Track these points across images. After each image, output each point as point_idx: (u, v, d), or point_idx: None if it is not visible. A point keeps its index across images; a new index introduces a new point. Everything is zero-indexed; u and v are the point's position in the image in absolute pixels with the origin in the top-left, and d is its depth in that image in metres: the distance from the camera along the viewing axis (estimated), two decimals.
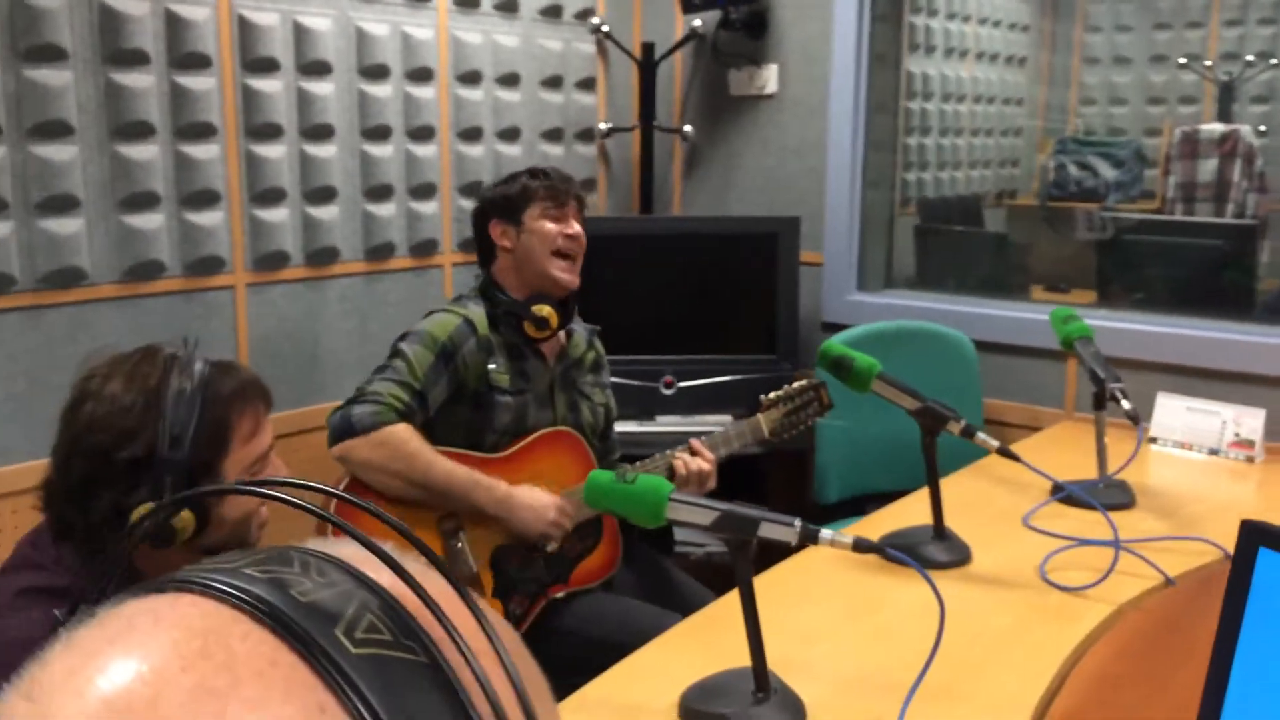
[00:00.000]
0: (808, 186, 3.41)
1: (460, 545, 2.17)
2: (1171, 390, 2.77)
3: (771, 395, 2.39)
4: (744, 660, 1.53)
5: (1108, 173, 5.44)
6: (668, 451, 2.30)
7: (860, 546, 1.38)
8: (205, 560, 0.38)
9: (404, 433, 2.10)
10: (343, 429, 2.09)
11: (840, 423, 2.68)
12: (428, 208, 3.08)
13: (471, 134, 3.17)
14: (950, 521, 2.10)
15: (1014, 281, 4.43)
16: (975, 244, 4.61)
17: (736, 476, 2.56)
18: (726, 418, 3.30)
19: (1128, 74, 5.60)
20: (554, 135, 3.40)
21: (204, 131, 2.57)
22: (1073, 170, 5.48)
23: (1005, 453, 1.93)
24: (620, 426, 3.11)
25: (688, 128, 3.54)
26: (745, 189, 3.55)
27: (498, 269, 2.32)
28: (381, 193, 2.96)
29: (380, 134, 2.94)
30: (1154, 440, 2.71)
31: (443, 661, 0.35)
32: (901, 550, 1.95)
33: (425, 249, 3.10)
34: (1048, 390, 3.05)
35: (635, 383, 3.22)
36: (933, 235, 4.14)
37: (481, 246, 2.35)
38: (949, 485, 2.44)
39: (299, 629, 0.34)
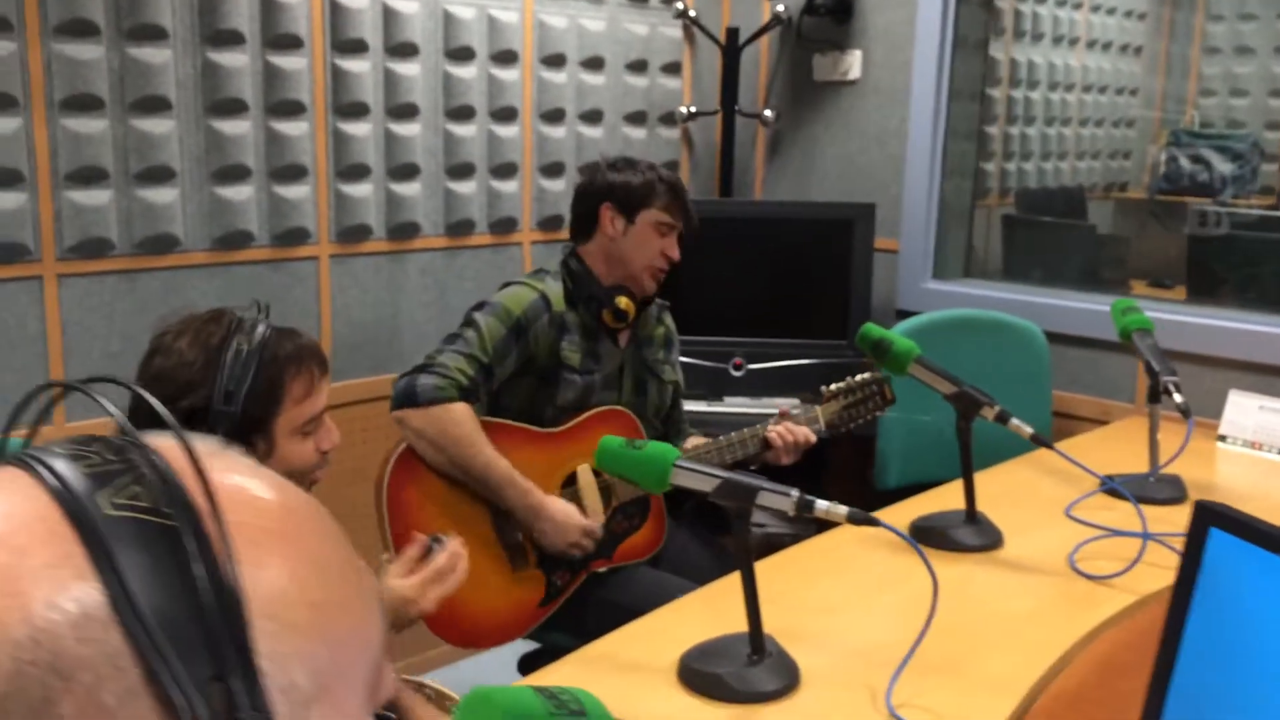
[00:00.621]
0: (887, 174, 3.41)
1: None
2: (1248, 389, 2.70)
3: (833, 387, 2.39)
4: (771, 627, 1.59)
5: (1222, 166, 5.26)
6: (757, 425, 2.34)
7: (854, 518, 1.42)
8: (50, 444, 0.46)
9: (459, 413, 2.15)
10: (405, 397, 2.17)
11: (899, 415, 2.68)
12: (508, 187, 3.18)
13: (554, 116, 3.26)
14: (992, 507, 2.11)
15: (1110, 275, 4.33)
16: (1069, 236, 4.52)
17: (800, 461, 2.59)
18: (794, 401, 3.34)
19: (1250, 64, 5.40)
20: (637, 118, 3.47)
21: (294, 109, 2.72)
22: (1185, 163, 5.31)
23: (1039, 440, 1.93)
24: (690, 406, 3.18)
25: (768, 112, 3.57)
26: (825, 175, 3.57)
27: (590, 249, 2.34)
28: (463, 171, 3.08)
29: (464, 114, 3.04)
30: (1223, 438, 2.65)
31: (190, 528, 0.42)
32: (930, 533, 2.00)
33: (505, 226, 3.20)
34: (1119, 384, 3.00)
35: (705, 363, 3.28)
36: (1022, 226, 4.08)
37: (580, 223, 2.37)
38: (1001, 473, 2.45)
39: (67, 494, 0.42)
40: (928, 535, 2.01)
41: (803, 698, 1.48)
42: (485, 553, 2.19)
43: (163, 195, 2.54)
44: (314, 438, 1.56)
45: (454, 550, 1.59)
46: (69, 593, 0.41)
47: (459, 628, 2.18)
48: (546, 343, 2.27)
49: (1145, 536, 1.87)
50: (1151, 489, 2.25)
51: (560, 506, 2.19)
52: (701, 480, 1.47)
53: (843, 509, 1.43)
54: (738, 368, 3.29)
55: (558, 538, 2.18)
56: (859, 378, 2.40)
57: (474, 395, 2.20)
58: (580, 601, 2.30)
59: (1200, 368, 2.84)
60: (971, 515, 2.02)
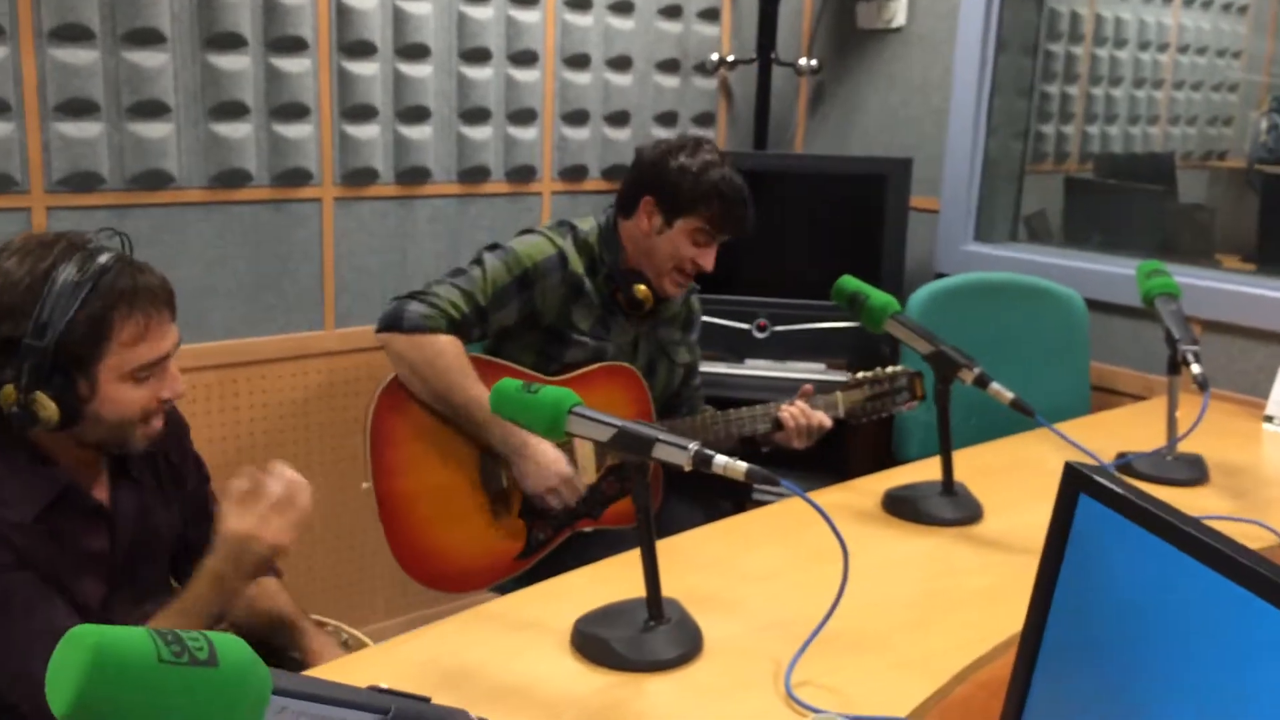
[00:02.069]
0: (931, 128, 3.22)
1: (495, 458, 2.15)
2: None
3: (860, 375, 2.25)
4: (676, 589, 1.47)
5: None
6: (770, 404, 2.21)
7: (753, 475, 1.29)
8: None
9: (445, 344, 2.06)
10: (391, 320, 2.09)
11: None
12: (527, 134, 3.08)
13: (578, 61, 3.14)
14: (984, 480, 1.96)
15: (1192, 246, 4.05)
16: (1144, 204, 4.24)
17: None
18: (819, 366, 3.19)
19: None
20: (669, 66, 3.33)
21: (295, 45, 2.65)
22: None
23: (1020, 407, 1.77)
24: (707, 367, 3.05)
25: (804, 61, 3.39)
26: (868, 129, 3.38)
27: (626, 226, 2.21)
28: (477, 115, 2.98)
29: (479, 56, 2.95)
30: (1270, 419, 2.42)
31: None
32: (903, 503, 1.85)
33: (522, 175, 3.11)
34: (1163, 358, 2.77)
35: (727, 323, 3.15)
36: (1086, 191, 3.83)
37: (623, 200, 2.22)
38: (1007, 446, 2.28)
39: None
40: (900, 506, 1.86)
41: (696, 669, 1.36)
42: (467, 496, 2.11)
43: (156, 130, 2.51)
44: (149, 384, 1.43)
45: (290, 478, 1.46)
46: None
47: (429, 566, 2.10)
48: (555, 301, 2.17)
49: None
50: (1168, 468, 2.06)
51: (546, 449, 2.07)
52: (597, 429, 1.35)
53: (742, 465, 1.30)
54: (761, 329, 3.14)
55: (537, 480, 2.07)
56: (890, 370, 2.25)
57: (463, 332, 2.11)
58: (560, 561, 2.20)
59: (1253, 342, 2.60)
60: (949, 487, 1.86)
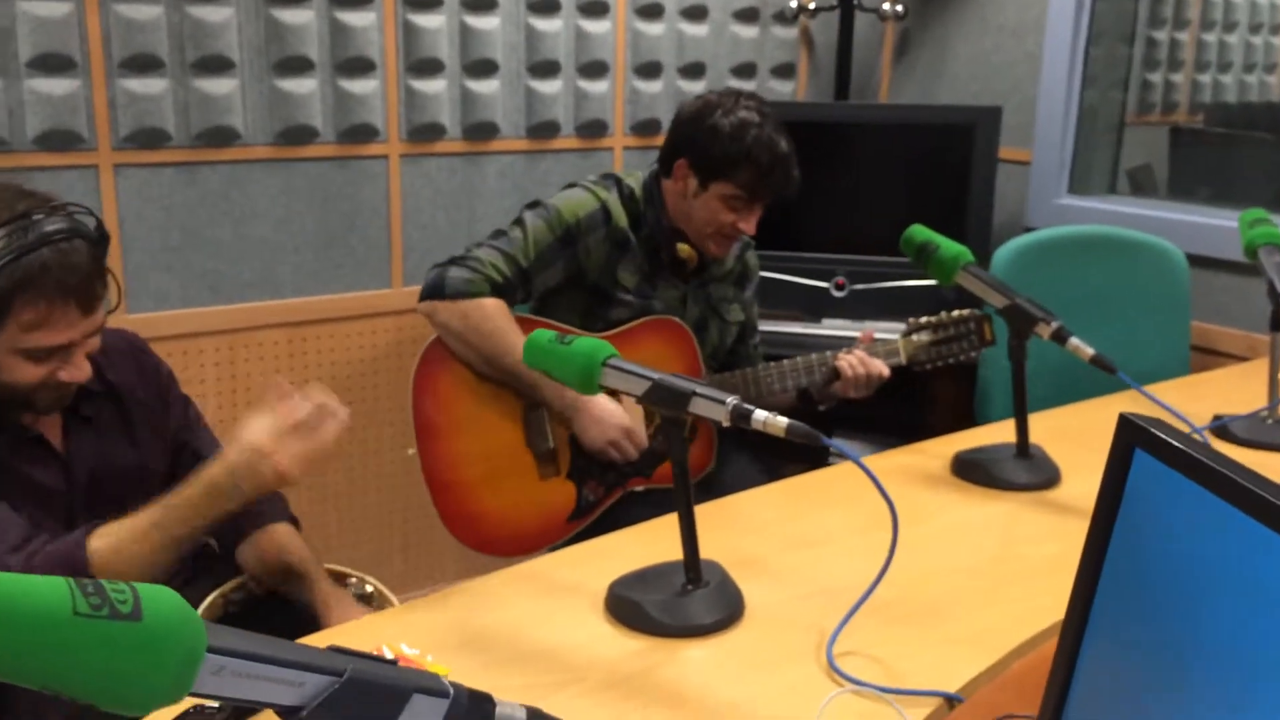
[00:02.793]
0: (1023, 74, 3.05)
1: (541, 416, 2.11)
2: None
3: (923, 319, 2.14)
4: (722, 552, 1.40)
5: None
6: (828, 353, 2.12)
7: (793, 431, 1.20)
8: None
9: (490, 308, 2.02)
10: (433, 288, 2.06)
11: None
12: (597, 87, 3.00)
13: (651, 10, 3.04)
14: (1064, 444, 1.84)
15: None
16: (1259, 154, 3.97)
17: (899, 388, 2.34)
18: (900, 325, 3.05)
19: None
20: (748, 15, 3.21)
21: None
22: None
23: (1099, 363, 1.64)
24: (782, 327, 2.96)
25: (887, 5, 3.24)
26: (957, 76, 3.22)
27: (667, 186, 2.13)
28: (547, 69, 2.91)
29: (548, 7, 2.88)
30: None
31: None
32: (974, 467, 1.74)
33: (593, 130, 3.03)
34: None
35: (804, 281, 3.04)
36: (1194, 141, 3.60)
37: (663, 158, 2.13)
38: (1090, 407, 2.15)
39: None
40: (970, 469, 1.76)
41: (733, 636, 1.28)
42: (514, 458, 2.07)
43: (221, 86, 2.50)
44: (49, 363, 1.40)
45: (321, 403, 1.39)
46: None
47: (478, 531, 2.07)
48: (599, 257, 2.10)
49: None
50: (1268, 432, 1.91)
51: (603, 402, 2.01)
52: (632, 382, 1.28)
53: (783, 421, 1.21)
54: (839, 287, 3.03)
55: (598, 434, 2.02)
56: (956, 313, 2.13)
57: (507, 295, 2.06)
58: (613, 521, 2.14)
59: None
60: (1023, 449, 1.75)
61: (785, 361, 2.14)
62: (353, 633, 1.29)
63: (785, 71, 3.34)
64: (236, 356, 2.64)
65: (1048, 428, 1.89)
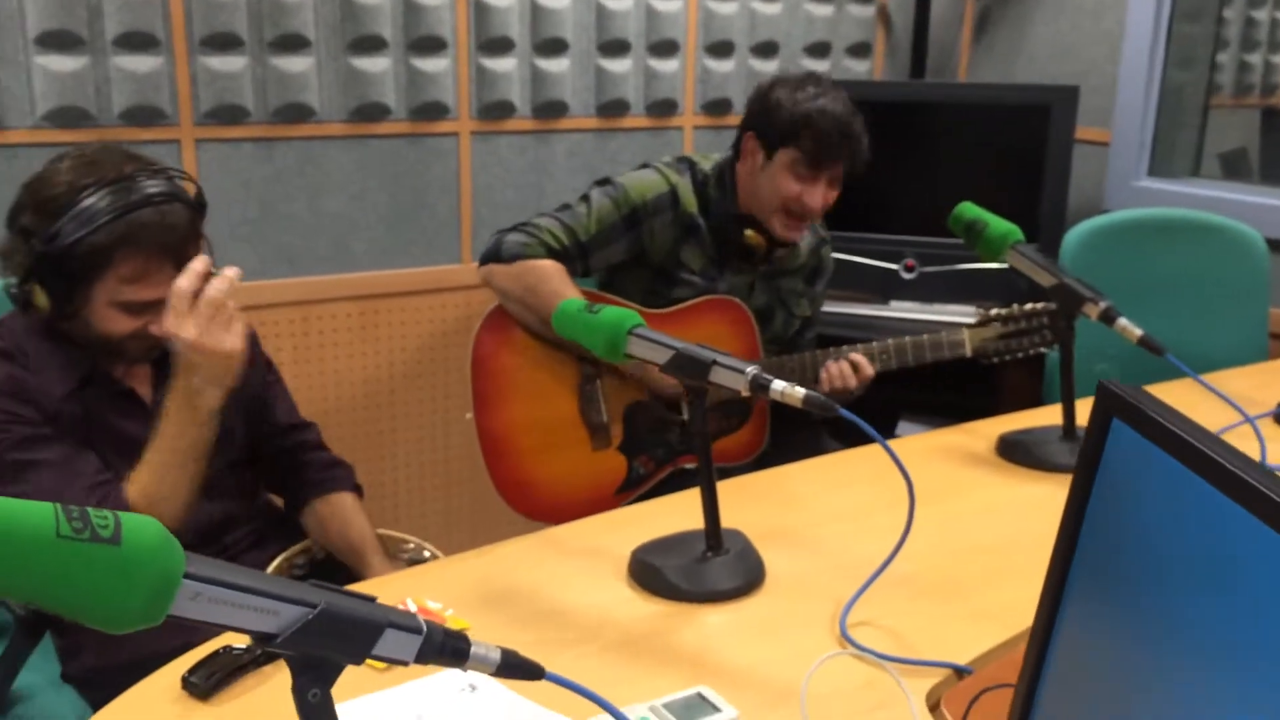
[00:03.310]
0: (1101, 54, 2.97)
1: (595, 389, 2.14)
2: None
3: (993, 311, 2.11)
4: (750, 523, 1.42)
5: None
6: (819, 352, 2.11)
7: (810, 401, 1.21)
8: None
9: (547, 269, 2.05)
10: (490, 252, 2.10)
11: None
12: (668, 66, 3.02)
13: None
14: None
15: None
16: None
17: (968, 374, 2.32)
18: (968, 309, 3.01)
19: None
20: None
21: None
22: None
23: (1147, 344, 1.61)
24: (849, 309, 2.95)
25: None
26: (1035, 56, 3.16)
27: (739, 167, 2.14)
28: (617, 48, 2.94)
29: None
30: None
31: None
32: (1018, 447, 1.73)
33: (663, 109, 3.05)
34: None
35: (873, 262, 3.02)
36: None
37: (736, 140, 2.15)
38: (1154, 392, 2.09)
39: None
40: (1014, 450, 1.74)
41: (750, 602, 1.30)
42: (567, 429, 2.11)
43: (297, 64, 2.57)
44: (143, 316, 1.48)
45: (197, 272, 1.43)
46: None
47: (528, 498, 2.11)
48: (665, 241, 2.11)
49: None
50: None
51: (655, 372, 2.04)
52: (656, 350, 1.30)
53: (800, 391, 1.22)
54: (909, 269, 3.00)
55: (660, 384, 2.06)
56: (1029, 306, 2.08)
57: (562, 263, 2.08)
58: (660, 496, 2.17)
59: None
60: (1069, 431, 1.72)
61: (845, 346, 2.13)
62: (382, 586, 1.34)
63: (861, 50, 3.31)
64: (310, 328, 2.72)
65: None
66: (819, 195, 2.04)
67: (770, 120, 2.03)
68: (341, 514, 1.71)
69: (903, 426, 3.07)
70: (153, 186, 1.44)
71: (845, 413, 1.21)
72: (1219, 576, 0.67)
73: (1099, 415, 0.80)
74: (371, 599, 0.74)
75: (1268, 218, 2.61)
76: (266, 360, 1.79)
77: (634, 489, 2.16)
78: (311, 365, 2.73)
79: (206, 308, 1.42)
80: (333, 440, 1.94)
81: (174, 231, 1.45)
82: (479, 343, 2.11)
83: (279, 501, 1.84)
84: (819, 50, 3.23)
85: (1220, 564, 0.67)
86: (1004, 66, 3.26)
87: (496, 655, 0.78)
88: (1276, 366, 2.35)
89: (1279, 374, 2.27)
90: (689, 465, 2.18)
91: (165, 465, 1.45)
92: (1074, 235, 2.56)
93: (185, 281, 1.42)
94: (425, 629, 0.74)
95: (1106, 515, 0.79)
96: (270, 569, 1.61)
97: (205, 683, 1.09)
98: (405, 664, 0.74)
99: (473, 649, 0.77)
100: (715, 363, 1.26)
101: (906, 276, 3.01)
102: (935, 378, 2.34)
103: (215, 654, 1.12)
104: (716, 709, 1.05)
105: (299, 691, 0.71)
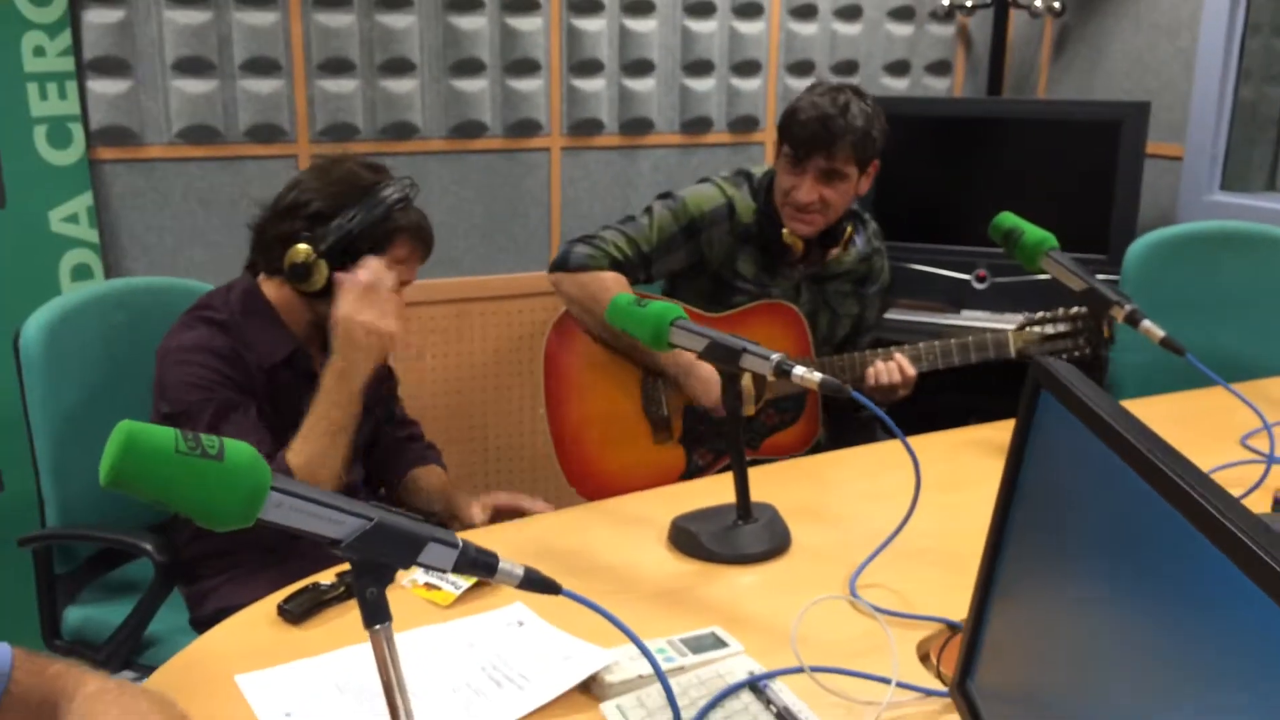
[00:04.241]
0: (1177, 70, 3.04)
1: (657, 387, 2.31)
2: None
3: (1038, 314, 2.20)
4: (784, 499, 1.57)
5: None
6: (867, 352, 2.23)
7: (826, 385, 1.36)
8: None
9: (608, 280, 2.22)
10: (558, 261, 2.28)
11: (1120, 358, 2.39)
12: (750, 85, 3.18)
13: (805, 11, 3.19)
14: (1155, 428, 1.89)
15: None
16: None
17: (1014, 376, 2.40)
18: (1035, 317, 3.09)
19: None
20: (903, 14, 3.32)
21: (528, 5, 2.88)
22: None
23: (1169, 345, 1.71)
24: (922, 317, 3.06)
25: (1040, 2, 3.27)
26: (1112, 73, 3.24)
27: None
28: (701, 68, 3.11)
29: (703, 10, 3.07)
30: None
31: None
32: None
33: (745, 125, 3.21)
34: None
35: (946, 273, 3.13)
36: None
37: None
38: (1191, 397, 2.18)
39: None
40: None
41: (774, 565, 1.45)
42: (630, 422, 2.28)
43: (403, 86, 2.81)
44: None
45: (374, 267, 1.70)
46: None
47: (596, 487, 2.28)
48: (721, 250, 2.26)
49: (1269, 460, 1.60)
50: None
51: (709, 368, 2.16)
52: (694, 340, 1.46)
53: (817, 375, 1.37)
54: (980, 279, 3.10)
55: (706, 393, 2.18)
56: (1072, 310, 2.16)
57: (626, 272, 2.25)
58: None
59: None
60: None
61: (892, 348, 2.25)
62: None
63: (941, 69, 3.42)
64: (411, 328, 2.95)
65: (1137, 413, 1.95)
66: (806, 188, 2.12)
67: (782, 120, 2.18)
68: (432, 472, 1.99)
69: (864, 399, 3.16)
70: (412, 192, 1.75)
71: (857, 395, 1.36)
72: (1121, 536, 0.79)
73: (1030, 387, 0.93)
74: (422, 518, 0.92)
75: None
76: (389, 367, 2.01)
77: (692, 479, 2.32)
78: (410, 364, 2.96)
79: (360, 291, 1.66)
80: (430, 433, 2.15)
81: (431, 231, 1.77)
82: (550, 345, 2.29)
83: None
84: (899, 69, 3.36)
85: (1122, 526, 0.79)
86: (1082, 83, 3.33)
87: (520, 570, 0.95)
88: None
89: None
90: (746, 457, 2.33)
91: (320, 434, 1.65)
92: (1137, 247, 2.64)
93: (364, 274, 1.67)
94: (461, 544, 0.92)
95: (1036, 477, 0.93)
96: None
97: (297, 610, 1.29)
98: (445, 571, 0.92)
99: (500, 564, 0.94)
100: (745, 350, 1.42)
101: (978, 287, 3.10)
102: (1005, 383, 2.44)
103: (305, 589, 1.33)
104: (725, 644, 1.21)
105: (359, 591, 0.89)
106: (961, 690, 1.01)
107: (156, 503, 0.84)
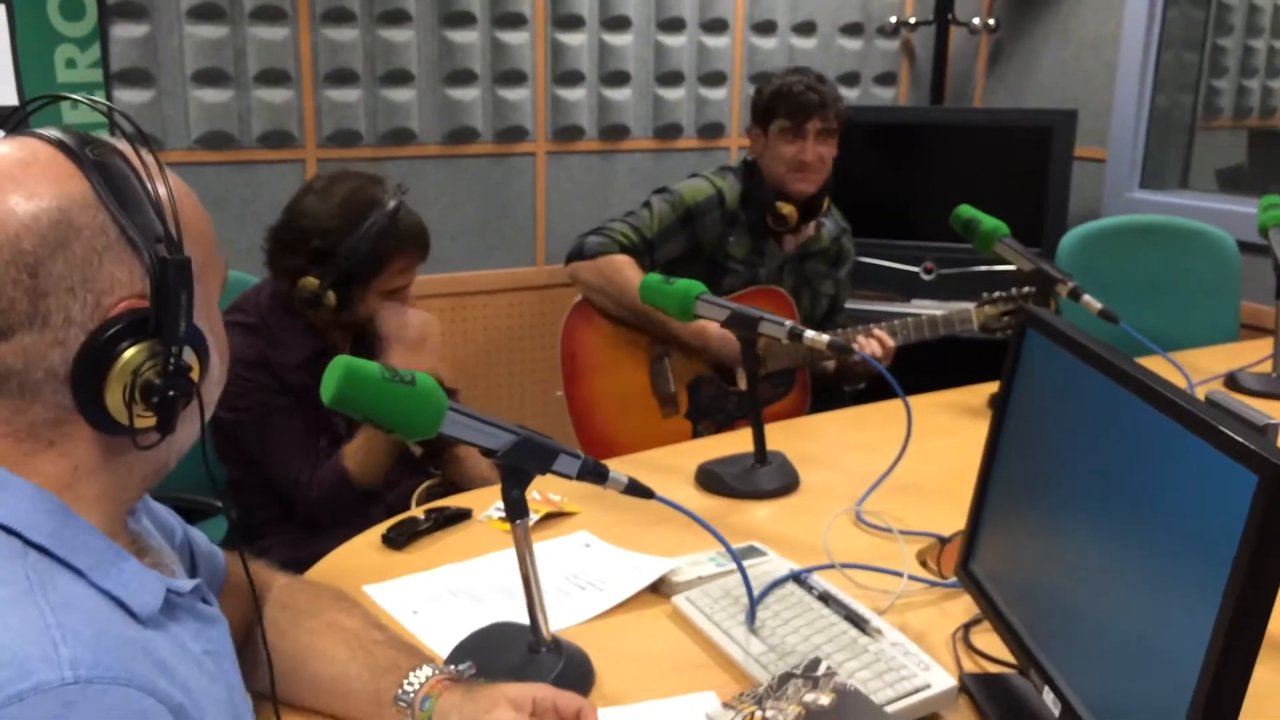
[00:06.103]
0: (1101, 81, 3.38)
1: (664, 366, 2.57)
2: None
3: (995, 294, 2.49)
4: (795, 449, 1.83)
5: None
6: (848, 330, 2.51)
7: (834, 346, 1.64)
8: None
9: (621, 261, 2.48)
10: (574, 252, 2.54)
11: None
12: (716, 94, 3.46)
13: (766, 27, 3.48)
14: None
15: None
16: None
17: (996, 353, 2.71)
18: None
19: None
20: (853, 29, 3.62)
21: (516, 21, 3.13)
22: None
23: (1106, 315, 2.01)
24: (875, 306, 3.36)
25: (977, 20, 3.60)
26: (1042, 84, 3.57)
27: (758, 159, 2.56)
28: (672, 79, 3.38)
29: (674, 25, 3.34)
30: None
31: (135, 171, 0.81)
32: None
33: (712, 131, 3.49)
34: None
35: (896, 265, 3.43)
36: (1269, 142, 3.85)
37: (750, 136, 2.60)
38: None
39: (66, 145, 0.80)
40: None
41: (788, 500, 1.72)
42: (639, 398, 2.54)
43: (402, 95, 3.04)
44: (394, 299, 1.91)
45: (419, 319, 1.91)
46: (71, 185, 0.79)
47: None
48: (714, 235, 2.54)
49: None
50: (1272, 384, 2.24)
51: (718, 329, 2.42)
52: (716, 311, 1.73)
53: (825, 337, 1.65)
54: (928, 272, 3.41)
55: (724, 351, 2.44)
56: (1022, 289, 2.46)
57: (634, 256, 2.51)
58: None
59: None
60: None
61: (872, 325, 2.54)
62: None
63: (887, 80, 3.74)
64: None
65: None
66: (809, 149, 2.45)
67: (757, 107, 2.50)
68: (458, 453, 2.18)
69: (862, 354, 3.48)
70: (404, 199, 1.88)
71: (862, 355, 1.63)
72: (1093, 428, 1.07)
73: (1018, 328, 1.21)
74: (552, 440, 1.17)
75: (1238, 222, 3.00)
76: None
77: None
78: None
79: (407, 343, 1.87)
80: None
81: (425, 234, 1.91)
82: (565, 334, 2.55)
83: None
84: (849, 80, 3.66)
85: (1094, 420, 1.06)
86: (1015, 93, 3.67)
87: (624, 479, 1.21)
88: (1232, 347, 2.74)
89: (1240, 352, 2.66)
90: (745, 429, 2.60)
91: (374, 448, 1.84)
92: (1068, 239, 2.97)
93: (413, 331, 1.88)
94: (583, 458, 1.17)
95: (1023, 397, 1.20)
96: (415, 495, 2.05)
97: (399, 538, 1.52)
98: (571, 478, 1.17)
99: (610, 473, 1.20)
100: (762, 319, 1.68)
101: (926, 278, 3.42)
102: (982, 362, 2.74)
103: (403, 521, 1.56)
104: (764, 554, 1.48)
105: (505, 492, 1.14)
106: (966, 570, 1.28)
107: (366, 420, 1.08)
